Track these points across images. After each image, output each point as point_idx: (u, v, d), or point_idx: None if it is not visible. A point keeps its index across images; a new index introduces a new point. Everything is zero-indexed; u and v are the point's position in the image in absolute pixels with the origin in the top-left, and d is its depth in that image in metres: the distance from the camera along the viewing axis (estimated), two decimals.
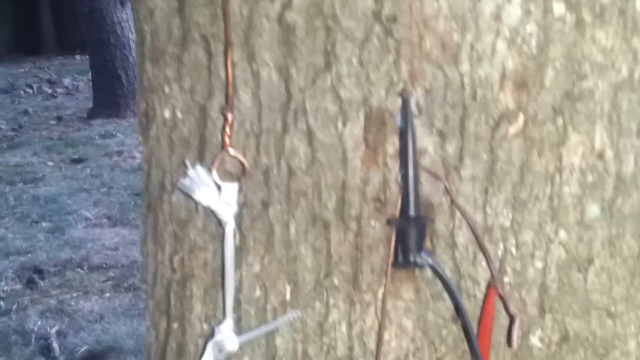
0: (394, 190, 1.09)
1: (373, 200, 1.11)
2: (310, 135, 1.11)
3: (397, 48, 1.06)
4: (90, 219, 6.48)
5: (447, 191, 1.07)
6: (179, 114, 1.17)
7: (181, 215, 1.19)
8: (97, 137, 9.65)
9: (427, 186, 1.09)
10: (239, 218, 1.15)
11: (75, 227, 6.26)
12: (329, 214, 1.12)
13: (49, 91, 13.81)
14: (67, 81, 14.38)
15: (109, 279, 5.23)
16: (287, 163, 1.12)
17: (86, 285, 5.14)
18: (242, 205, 1.14)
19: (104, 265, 5.47)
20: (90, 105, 11.25)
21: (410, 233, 1.04)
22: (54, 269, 5.42)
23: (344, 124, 1.09)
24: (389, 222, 1.08)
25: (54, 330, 4.48)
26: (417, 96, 1.05)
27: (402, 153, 1.05)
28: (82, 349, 4.28)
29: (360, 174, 1.10)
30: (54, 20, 20.10)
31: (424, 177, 1.09)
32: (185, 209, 1.18)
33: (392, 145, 1.09)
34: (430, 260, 1.04)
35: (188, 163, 1.13)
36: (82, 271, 5.38)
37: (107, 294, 5.01)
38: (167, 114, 1.18)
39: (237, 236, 1.16)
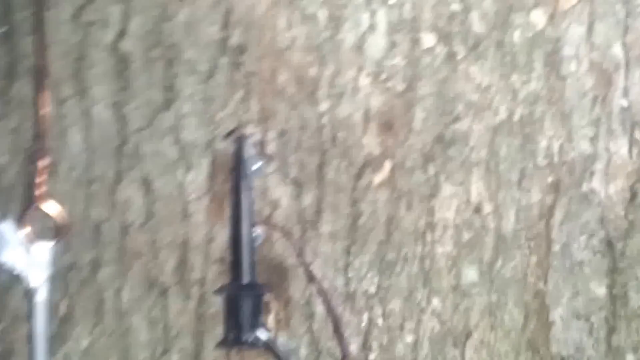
0: None
1: (218, 262, 1.03)
2: (147, 185, 1.03)
3: (247, 83, 1.00)
4: None
5: (297, 253, 1.00)
6: (3, 158, 1.09)
7: (2, 281, 1.10)
8: None
9: (280, 246, 1.02)
10: (66, 282, 1.06)
11: None
12: (167, 278, 1.04)
13: None
14: None
15: None
16: (121, 217, 1.05)
17: None
18: (70, 267, 1.06)
19: None
20: None
21: (242, 305, 0.94)
22: None
23: (186, 171, 1.02)
24: (216, 292, 0.99)
25: None
26: (261, 137, 0.99)
27: (233, 204, 0.97)
28: None
29: (204, 230, 1.03)
30: None
31: (276, 235, 1.02)
32: (7, 273, 1.09)
33: None
34: (265, 338, 0.94)
35: None
36: None
37: None
38: None
39: (65, 304, 1.07)
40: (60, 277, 1.05)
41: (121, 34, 1.02)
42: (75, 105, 1.04)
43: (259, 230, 0.99)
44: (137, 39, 1.02)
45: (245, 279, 0.95)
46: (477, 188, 1.00)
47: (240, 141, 0.97)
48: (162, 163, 1.03)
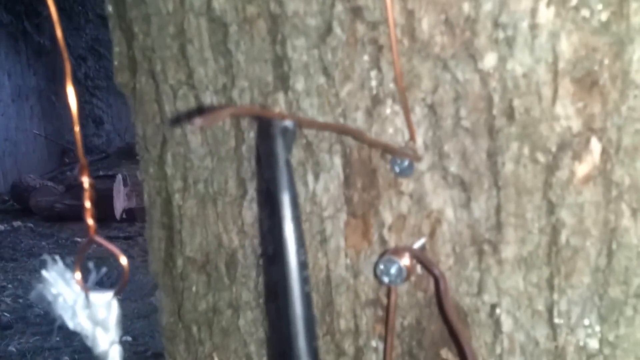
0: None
1: (371, 305, 0.85)
2: (262, 202, 0.89)
3: (373, 38, 0.79)
4: None
5: (445, 298, 0.77)
6: None
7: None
8: None
9: (455, 279, 0.81)
10: (210, 330, 0.97)
11: None
12: None
13: None
14: None
15: None
16: (252, 243, 0.92)
17: None
18: (211, 310, 0.96)
19: None
20: None
21: None
22: None
23: (316, 177, 0.85)
24: None
25: None
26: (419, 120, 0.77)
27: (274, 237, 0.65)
28: None
29: (347, 260, 0.86)
30: None
31: (445, 263, 0.81)
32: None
33: (390, 209, 0.83)
34: None
35: (48, 258, 0.91)
36: None
37: None
38: None
39: (217, 357, 0.98)
40: (206, 322, 0.97)
41: None
42: (187, 96, 0.93)
43: (401, 262, 0.79)
44: None
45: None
46: None
47: (270, 131, 0.64)
48: None
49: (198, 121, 0.53)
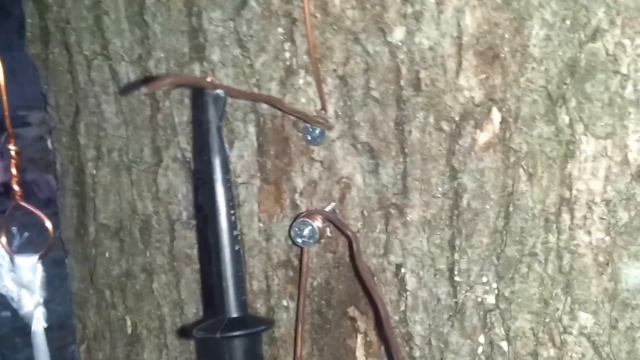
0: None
1: (282, 266, 0.90)
2: (187, 165, 0.93)
3: (288, 12, 0.84)
4: None
5: (358, 258, 0.83)
6: None
7: None
8: None
9: (364, 241, 0.86)
10: (124, 293, 1.00)
11: None
12: None
13: None
14: None
15: None
16: (166, 209, 0.96)
17: None
18: (125, 274, 1.00)
19: None
20: None
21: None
22: None
23: (230, 145, 0.90)
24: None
25: None
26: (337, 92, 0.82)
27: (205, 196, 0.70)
28: None
29: (260, 224, 0.90)
30: None
31: (354, 226, 0.86)
32: None
33: (301, 175, 0.88)
34: None
35: None
36: None
37: None
38: None
39: (130, 319, 1.02)
40: (119, 286, 1.01)
41: None
42: (101, 67, 0.95)
43: (314, 224, 0.85)
44: None
45: (231, 311, 0.70)
46: (637, 141, 0.76)
47: (203, 99, 0.69)
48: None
49: (143, 89, 0.57)
